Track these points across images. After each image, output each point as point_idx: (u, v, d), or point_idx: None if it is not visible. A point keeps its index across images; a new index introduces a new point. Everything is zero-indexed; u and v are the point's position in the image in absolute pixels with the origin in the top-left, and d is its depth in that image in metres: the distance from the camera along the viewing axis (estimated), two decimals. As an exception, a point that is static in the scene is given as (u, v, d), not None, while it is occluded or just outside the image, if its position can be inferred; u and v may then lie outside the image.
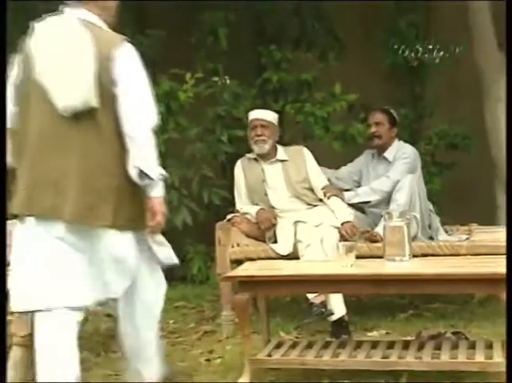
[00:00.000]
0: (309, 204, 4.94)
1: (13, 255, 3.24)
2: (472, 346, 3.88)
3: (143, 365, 3.53)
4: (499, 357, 3.65)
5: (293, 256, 4.63)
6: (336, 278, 3.79)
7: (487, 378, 3.68)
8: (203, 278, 6.05)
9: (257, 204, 4.99)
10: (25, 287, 3.15)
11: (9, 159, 3.27)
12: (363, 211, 5.09)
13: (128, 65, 3.16)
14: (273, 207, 4.93)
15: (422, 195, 4.86)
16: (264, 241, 4.86)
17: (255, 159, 5.06)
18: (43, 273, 3.14)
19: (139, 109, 3.16)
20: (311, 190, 4.97)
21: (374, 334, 4.60)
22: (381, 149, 5.13)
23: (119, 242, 3.21)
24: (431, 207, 5.01)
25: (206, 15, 6.03)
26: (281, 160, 5.01)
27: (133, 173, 3.15)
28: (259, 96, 6.12)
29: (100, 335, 4.86)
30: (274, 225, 4.83)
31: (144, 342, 3.52)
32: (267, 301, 4.18)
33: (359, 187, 5.09)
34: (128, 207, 3.21)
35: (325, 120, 5.67)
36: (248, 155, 5.12)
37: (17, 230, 3.25)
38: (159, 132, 5.63)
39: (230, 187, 5.86)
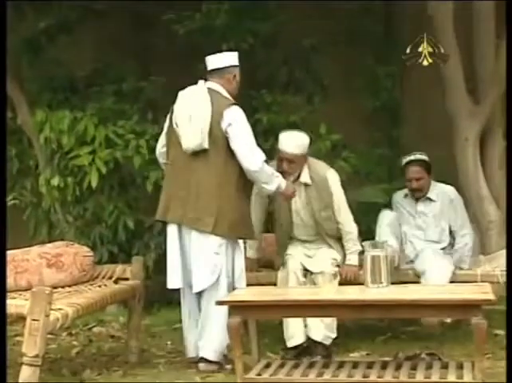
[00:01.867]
0: (327, 234, 4.69)
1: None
2: (445, 366, 3.89)
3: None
4: (469, 377, 3.65)
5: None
6: (320, 304, 3.80)
7: (458, 396, 3.68)
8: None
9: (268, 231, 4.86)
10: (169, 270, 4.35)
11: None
12: None
13: (233, 120, 4.21)
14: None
15: None
16: (260, 267, 4.85)
17: None
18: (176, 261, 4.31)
19: (245, 149, 4.20)
20: (331, 218, 4.66)
21: (355, 355, 4.59)
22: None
23: (211, 246, 4.20)
24: None
25: (204, 63, 6.06)
26: (306, 184, 4.67)
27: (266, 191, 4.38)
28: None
29: (103, 355, 4.83)
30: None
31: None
32: (257, 324, 4.18)
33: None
34: (227, 220, 4.20)
35: (312, 158, 5.68)
36: None
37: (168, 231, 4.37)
38: (160, 168, 5.70)
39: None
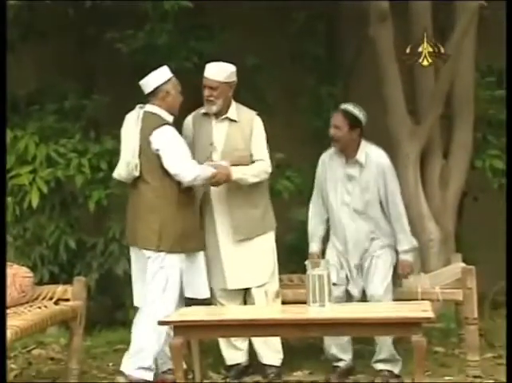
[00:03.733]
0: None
1: None
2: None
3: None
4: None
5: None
6: (262, 323, 3.79)
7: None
8: (141, 323, 5.95)
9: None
10: None
11: None
12: None
13: (160, 141, 4.29)
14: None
15: None
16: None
17: (205, 113, 4.64)
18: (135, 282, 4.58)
19: (175, 166, 4.27)
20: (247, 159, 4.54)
21: (298, 374, 4.59)
22: (346, 151, 4.56)
23: (155, 264, 4.31)
24: None
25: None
26: (230, 120, 4.59)
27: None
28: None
29: (42, 378, 4.73)
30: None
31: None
32: (200, 343, 4.15)
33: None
34: (171, 236, 4.29)
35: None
36: (200, 110, 4.69)
37: None
38: (103, 187, 5.62)
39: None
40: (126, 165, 4.36)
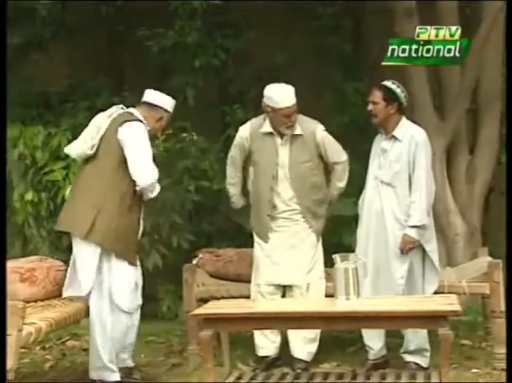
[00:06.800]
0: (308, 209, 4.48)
1: None
2: (413, 376, 3.92)
3: None
4: (436, 387, 3.69)
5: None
6: (289, 316, 3.81)
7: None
8: (172, 315, 6.00)
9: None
10: None
11: None
12: None
13: (128, 135, 4.13)
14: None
15: None
16: (227, 280, 4.85)
17: (270, 133, 4.48)
18: None
19: (137, 165, 4.10)
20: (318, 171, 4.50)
21: (326, 366, 4.60)
22: (384, 126, 4.47)
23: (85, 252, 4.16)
24: None
25: (177, 79, 6.09)
26: (292, 136, 4.47)
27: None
28: (223, 150, 6.17)
29: (76, 369, 4.79)
30: None
31: None
32: (229, 336, 4.18)
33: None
34: (101, 230, 4.08)
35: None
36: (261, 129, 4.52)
37: None
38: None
39: (196, 232, 5.89)
40: (84, 142, 4.18)
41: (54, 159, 5.72)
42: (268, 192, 4.50)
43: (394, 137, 4.44)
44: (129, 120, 4.19)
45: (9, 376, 3.61)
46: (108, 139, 4.16)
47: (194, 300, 4.77)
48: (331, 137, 4.62)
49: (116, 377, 4.18)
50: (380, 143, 4.52)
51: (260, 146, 4.52)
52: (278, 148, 4.50)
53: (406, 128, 4.46)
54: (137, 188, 4.15)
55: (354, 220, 5.27)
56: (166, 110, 4.35)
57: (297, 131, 4.50)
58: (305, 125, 4.52)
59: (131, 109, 4.32)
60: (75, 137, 5.71)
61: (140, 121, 4.22)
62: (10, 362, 3.59)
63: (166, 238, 5.72)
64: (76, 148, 4.24)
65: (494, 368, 4.41)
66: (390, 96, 4.44)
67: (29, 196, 5.68)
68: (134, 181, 4.13)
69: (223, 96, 6.64)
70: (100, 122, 4.22)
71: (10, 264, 4.41)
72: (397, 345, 4.56)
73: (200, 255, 5.03)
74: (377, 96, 4.45)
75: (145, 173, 4.13)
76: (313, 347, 4.51)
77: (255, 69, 6.48)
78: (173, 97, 5.81)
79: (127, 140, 4.14)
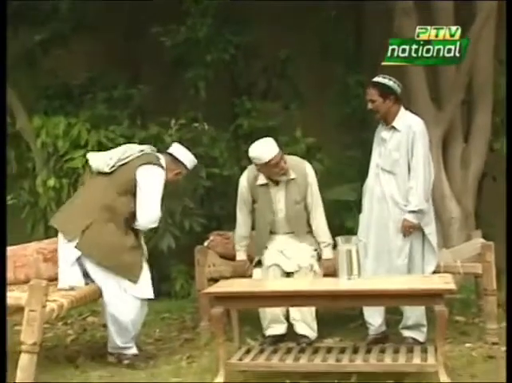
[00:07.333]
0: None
1: None
2: (410, 350, 3.92)
3: None
4: (432, 360, 3.69)
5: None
6: (297, 294, 3.81)
7: (423, 378, 3.71)
8: (185, 294, 6.01)
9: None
10: None
11: None
12: None
13: (144, 175, 4.15)
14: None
15: None
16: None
17: (266, 183, 4.61)
18: None
19: (144, 204, 4.11)
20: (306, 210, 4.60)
21: (329, 341, 4.60)
22: (386, 119, 4.43)
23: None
24: None
25: (189, 72, 6.07)
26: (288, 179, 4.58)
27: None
28: (232, 139, 6.19)
29: (96, 343, 4.81)
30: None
31: None
32: (239, 313, 4.18)
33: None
34: (90, 240, 4.05)
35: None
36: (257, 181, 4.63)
37: None
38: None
39: (207, 216, 5.88)
40: (109, 158, 4.20)
41: (74, 147, 5.72)
42: (267, 233, 4.63)
43: (393, 127, 4.41)
44: (154, 163, 4.20)
45: (35, 349, 3.63)
46: (128, 169, 4.17)
47: (206, 279, 4.78)
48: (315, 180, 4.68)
49: (134, 350, 4.19)
50: (380, 133, 4.50)
51: (258, 196, 4.62)
52: (275, 195, 4.59)
53: (405, 119, 4.43)
54: (134, 226, 4.18)
55: (355, 204, 5.28)
56: (186, 167, 4.38)
57: (292, 175, 4.58)
58: (296, 168, 4.60)
59: (160, 155, 4.32)
60: (94, 127, 5.79)
61: (163, 168, 4.23)
62: (35, 336, 3.62)
63: (179, 221, 5.71)
64: (99, 161, 4.26)
65: (485, 342, 4.42)
66: (385, 91, 4.38)
67: (51, 182, 5.68)
68: (136, 216, 4.13)
69: (233, 88, 6.62)
70: (131, 151, 4.25)
71: (35, 246, 4.43)
72: (396, 321, 4.56)
73: (211, 238, 5.03)
74: (373, 94, 4.41)
75: (148, 218, 4.14)
76: (315, 330, 4.52)
77: (263, 63, 6.46)
78: (185, 89, 5.82)
79: (144, 180, 4.14)
